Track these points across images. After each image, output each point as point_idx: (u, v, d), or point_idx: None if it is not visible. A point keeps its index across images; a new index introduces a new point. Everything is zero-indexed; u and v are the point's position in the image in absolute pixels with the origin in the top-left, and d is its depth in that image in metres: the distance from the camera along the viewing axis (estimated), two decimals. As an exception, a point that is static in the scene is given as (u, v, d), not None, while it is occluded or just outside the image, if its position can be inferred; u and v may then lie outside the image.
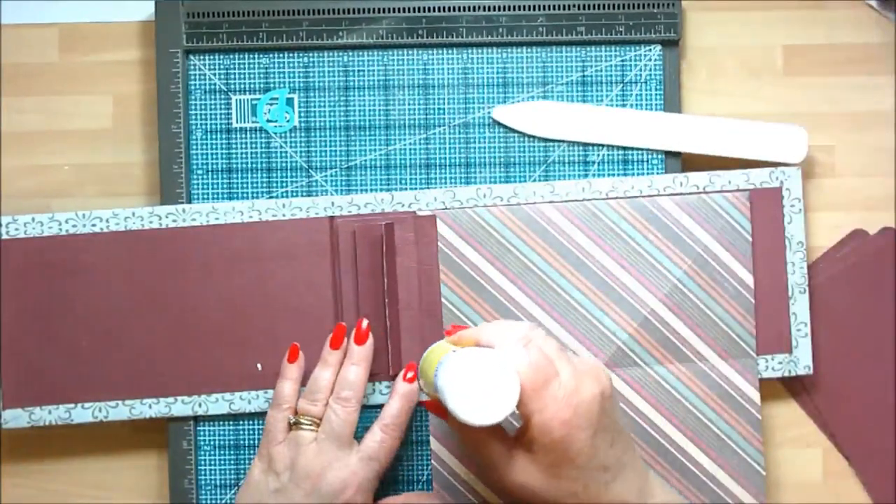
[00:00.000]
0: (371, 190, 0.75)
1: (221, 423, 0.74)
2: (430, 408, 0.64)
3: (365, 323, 0.71)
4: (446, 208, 0.73)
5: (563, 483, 0.57)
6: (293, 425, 0.70)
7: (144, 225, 0.73)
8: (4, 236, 0.72)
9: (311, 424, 0.69)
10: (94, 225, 0.73)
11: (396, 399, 0.71)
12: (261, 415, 0.73)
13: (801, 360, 0.74)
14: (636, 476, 0.60)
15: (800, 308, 0.74)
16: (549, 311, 0.72)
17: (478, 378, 0.54)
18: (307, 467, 0.68)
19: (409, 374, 0.72)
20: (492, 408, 0.54)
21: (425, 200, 0.73)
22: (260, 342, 0.73)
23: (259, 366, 0.73)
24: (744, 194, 0.74)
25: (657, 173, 0.75)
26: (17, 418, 0.72)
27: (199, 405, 0.73)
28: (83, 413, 0.72)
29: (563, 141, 0.75)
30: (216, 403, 0.73)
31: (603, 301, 0.72)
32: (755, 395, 0.73)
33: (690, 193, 0.73)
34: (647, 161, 0.75)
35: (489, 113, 0.76)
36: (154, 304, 0.73)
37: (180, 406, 0.73)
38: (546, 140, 0.75)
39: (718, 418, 0.73)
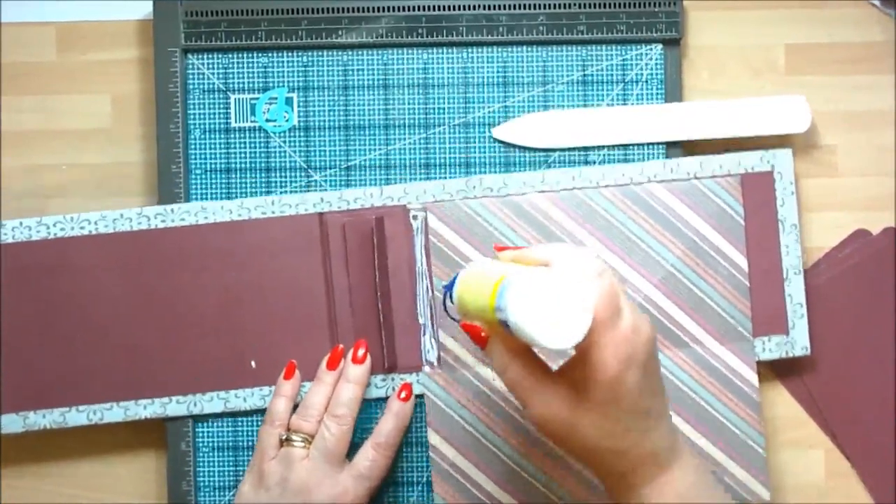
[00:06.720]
0: (370, 190, 0.75)
1: (220, 424, 0.74)
2: (468, 330, 0.60)
3: (362, 351, 0.71)
4: (436, 201, 0.73)
5: (605, 423, 0.56)
6: (284, 441, 0.69)
7: (133, 226, 0.72)
8: (-2, 239, 0.72)
9: (302, 441, 0.69)
10: (82, 227, 0.72)
11: (390, 418, 0.71)
12: (258, 412, 0.73)
13: (797, 342, 0.73)
14: (669, 431, 0.58)
15: (795, 289, 0.73)
16: None
17: (554, 302, 0.52)
18: (298, 484, 0.68)
19: (403, 394, 0.71)
20: (563, 333, 0.52)
21: (415, 193, 0.73)
22: (253, 340, 0.73)
23: (253, 363, 0.73)
24: (735, 178, 0.73)
25: (659, 167, 0.75)
26: (11, 423, 0.72)
27: (195, 404, 0.73)
28: (78, 416, 0.72)
29: (566, 148, 0.75)
30: (211, 402, 0.73)
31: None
32: (753, 378, 0.73)
33: (682, 179, 0.73)
34: (649, 155, 0.75)
35: (489, 113, 0.75)
36: (146, 304, 0.72)
37: (175, 406, 0.72)
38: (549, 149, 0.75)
39: (717, 401, 0.73)
